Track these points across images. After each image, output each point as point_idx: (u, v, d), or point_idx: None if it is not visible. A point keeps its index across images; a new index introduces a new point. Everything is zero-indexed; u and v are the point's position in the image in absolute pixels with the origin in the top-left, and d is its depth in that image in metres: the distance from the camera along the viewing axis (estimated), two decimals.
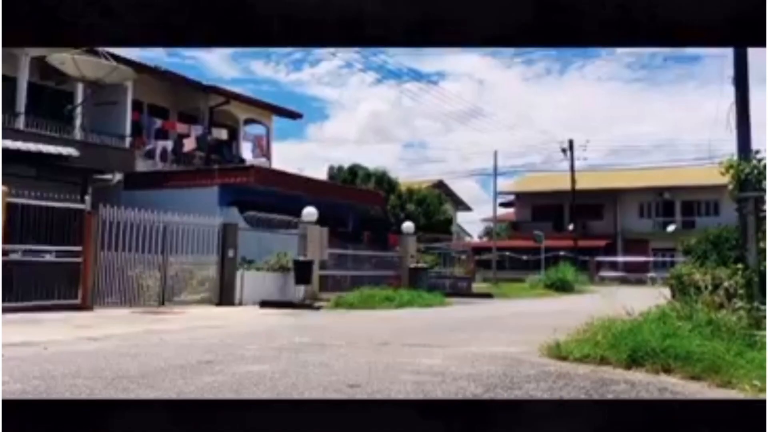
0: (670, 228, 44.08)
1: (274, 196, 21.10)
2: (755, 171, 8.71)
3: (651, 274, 36.30)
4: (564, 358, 6.79)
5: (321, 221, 18.57)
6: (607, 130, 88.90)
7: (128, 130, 22.67)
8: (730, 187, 8.94)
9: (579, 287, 28.70)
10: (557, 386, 5.30)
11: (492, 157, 41.50)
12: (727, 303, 8.10)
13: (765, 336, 6.70)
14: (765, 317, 7.25)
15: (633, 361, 6.36)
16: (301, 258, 17.25)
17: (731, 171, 8.79)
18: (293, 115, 30.76)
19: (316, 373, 5.71)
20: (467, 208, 54.42)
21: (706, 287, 7.89)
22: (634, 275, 39.15)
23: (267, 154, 28.78)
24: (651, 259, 43.12)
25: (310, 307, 15.57)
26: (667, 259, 37.68)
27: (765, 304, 7.88)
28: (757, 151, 9.10)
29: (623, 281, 38.23)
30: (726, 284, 8.58)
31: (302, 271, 16.95)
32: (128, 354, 6.90)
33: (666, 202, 47.66)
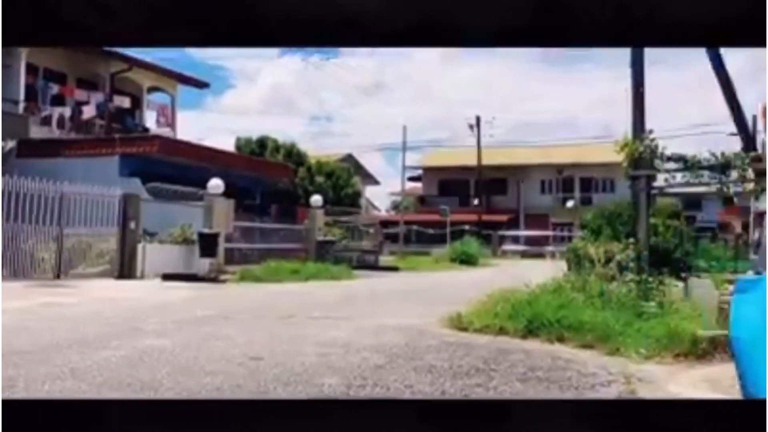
0: (569, 204, 45.77)
1: (179, 167, 20.53)
2: (648, 150, 9.13)
3: (550, 248, 37.75)
4: (465, 329, 6.99)
5: (228, 193, 18.23)
6: (510, 107, 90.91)
7: (22, 95, 21.44)
8: (624, 165, 9.35)
9: (482, 260, 29.44)
10: (457, 356, 5.46)
11: (399, 132, 41.81)
12: (619, 275, 8.51)
13: (652, 306, 7.11)
14: (652, 289, 7.68)
15: (530, 331, 6.63)
16: (206, 230, 16.92)
17: (626, 150, 9.19)
18: (199, 84, 29.90)
19: (219, 347, 5.66)
20: (375, 182, 54.65)
21: (599, 260, 8.27)
22: (535, 249, 40.50)
23: (172, 124, 27.91)
24: (551, 233, 44.71)
25: (215, 280, 15.32)
26: (566, 233, 39.20)
27: (653, 276, 8.36)
28: (650, 131, 9.55)
29: (525, 255, 39.48)
30: (618, 258, 9.03)
31: (207, 244, 16.63)
32: (20, 328, 6.61)
33: (566, 178, 49.47)
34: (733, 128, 10.79)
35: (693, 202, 35.01)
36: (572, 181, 49.44)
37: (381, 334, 6.56)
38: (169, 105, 28.42)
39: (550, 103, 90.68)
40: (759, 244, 4.68)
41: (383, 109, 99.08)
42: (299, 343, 5.93)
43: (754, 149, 10.65)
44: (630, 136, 9.54)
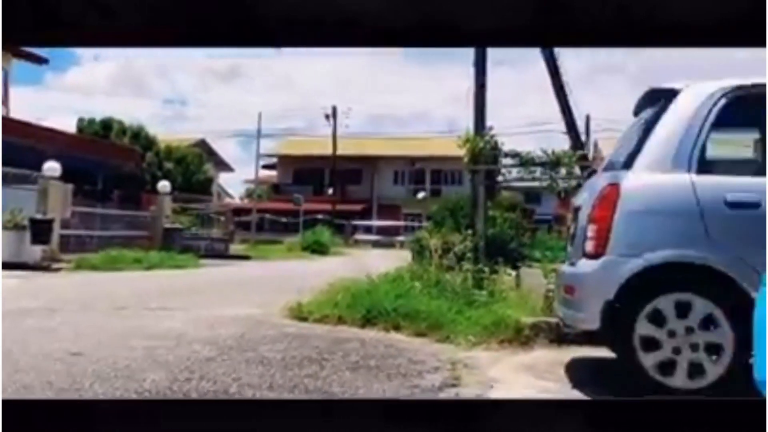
0: (420, 195, 47.05)
1: (11, 148, 19.03)
2: (487, 146, 9.54)
3: (401, 238, 38.64)
4: (305, 319, 7.00)
5: (66, 177, 17.17)
6: (366, 99, 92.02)
7: None
8: (466, 159, 9.72)
9: (334, 249, 29.66)
10: (292, 346, 5.46)
11: (255, 119, 41.29)
12: (458, 265, 8.83)
13: (483, 295, 7.44)
14: (484, 278, 8.04)
15: (368, 320, 6.73)
16: (39, 216, 15.84)
17: (467, 145, 9.55)
18: (37, 60, 27.84)
19: (38, 341, 5.31)
20: (229, 169, 53.56)
21: (435, 251, 8.54)
22: (387, 238, 41.32)
23: (5, 101, 25.87)
24: (402, 223, 45.81)
25: (47, 269, 14.41)
26: (416, 224, 40.23)
27: (489, 266, 8.75)
28: (490, 128, 9.98)
29: (376, 244, 40.13)
30: (457, 248, 9.38)
31: (40, 230, 15.57)
32: None
33: (417, 170, 50.88)
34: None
35: (534, 196, 37.06)
36: (423, 173, 50.89)
37: (217, 326, 6.43)
38: (2, 80, 26.33)
39: (405, 96, 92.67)
40: (574, 237, 5.03)
41: (240, 95, 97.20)
42: (128, 336, 5.69)
43: (582, 148, 11.45)
44: (471, 132, 9.92)
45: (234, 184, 74.27)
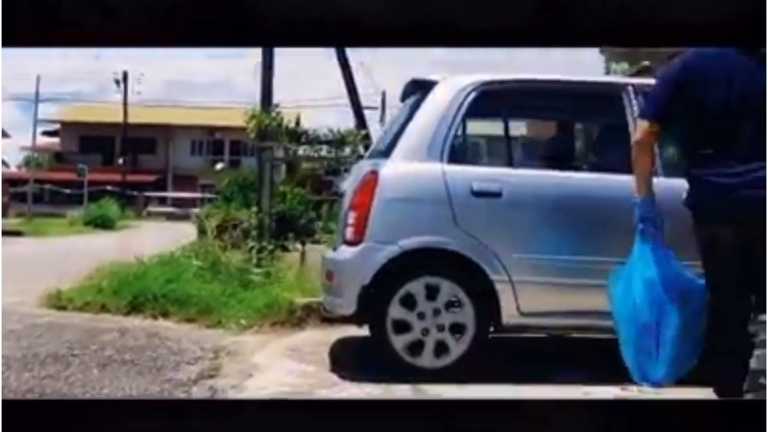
0: (219, 166, 45.81)
1: None
2: (273, 122, 9.43)
3: (197, 210, 37.49)
4: (64, 308, 6.50)
5: None
6: (163, 65, 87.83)
7: None
8: (252, 135, 9.56)
9: (123, 223, 28.08)
10: (40, 342, 5.02)
11: (35, 82, 37.76)
12: (244, 243, 8.67)
13: (258, 275, 7.34)
14: (262, 258, 7.95)
15: (134, 308, 6.38)
16: None
17: (254, 120, 9.39)
18: None
19: None
20: (5, 135, 48.69)
21: (212, 231, 8.34)
22: (182, 211, 39.86)
23: None
24: (199, 195, 44.34)
25: None
26: (214, 196, 39.21)
27: (276, 243, 8.68)
28: (277, 105, 9.87)
29: (171, 216, 38.59)
30: (243, 225, 9.23)
31: None
32: None
33: (216, 140, 49.44)
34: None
35: (335, 170, 37.60)
36: (222, 143, 49.67)
37: None
38: None
39: (205, 64, 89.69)
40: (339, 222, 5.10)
41: (21, 54, 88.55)
42: None
43: (365, 127, 11.70)
44: (258, 108, 9.74)
45: (10, 152, 67.62)
